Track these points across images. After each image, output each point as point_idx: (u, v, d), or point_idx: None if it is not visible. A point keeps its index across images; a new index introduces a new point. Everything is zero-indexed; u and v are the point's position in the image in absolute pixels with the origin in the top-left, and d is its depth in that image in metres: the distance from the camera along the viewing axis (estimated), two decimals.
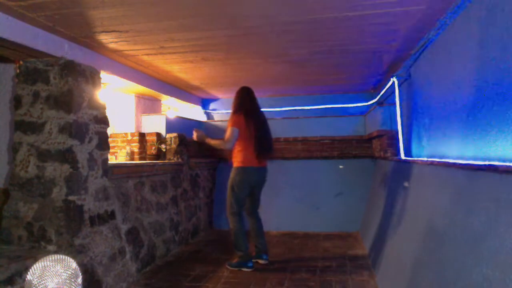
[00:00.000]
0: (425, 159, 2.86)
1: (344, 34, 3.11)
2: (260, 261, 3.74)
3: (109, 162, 3.31)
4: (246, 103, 3.70)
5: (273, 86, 5.45)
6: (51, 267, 1.69)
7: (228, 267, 3.64)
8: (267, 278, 3.36)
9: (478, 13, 2.08)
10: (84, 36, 3.00)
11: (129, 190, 3.61)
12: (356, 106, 5.89)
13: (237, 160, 3.66)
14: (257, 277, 3.39)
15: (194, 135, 3.86)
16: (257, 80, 4.95)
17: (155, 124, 4.97)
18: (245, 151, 3.62)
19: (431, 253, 2.12)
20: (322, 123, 5.64)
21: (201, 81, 4.96)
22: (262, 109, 3.88)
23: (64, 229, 2.73)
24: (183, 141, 4.81)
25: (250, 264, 3.60)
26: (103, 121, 3.23)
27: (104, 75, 3.66)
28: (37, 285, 1.64)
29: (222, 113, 6.51)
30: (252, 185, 3.71)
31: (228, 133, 3.61)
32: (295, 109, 6.05)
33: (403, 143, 3.72)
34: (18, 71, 2.98)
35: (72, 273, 1.73)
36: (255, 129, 3.61)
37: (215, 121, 6.17)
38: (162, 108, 5.87)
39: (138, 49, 3.43)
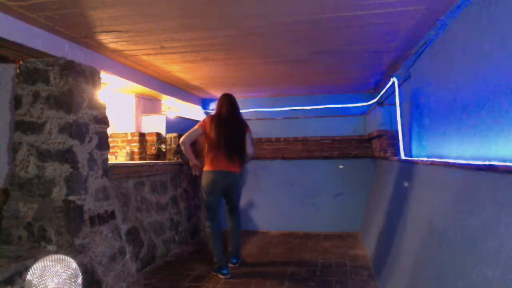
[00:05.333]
0: (425, 159, 2.86)
1: (344, 34, 3.10)
2: (230, 264, 3.66)
3: (109, 162, 3.31)
4: (218, 110, 3.74)
5: (273, 86, 5.44)
6: (51, 267, 1.69)
7: (212, 271, 3.57)
8: (267, 278, 3.36)
9: (478, 13, 2.08)
10: (84, 36, 3.00)
11: (129, 190, 3.61)
12: (356, 106, 5.89)
13: (205, 164, 3.68)
14: (257, 277, 3.39)
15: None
16: (257, 80, 4.95)
17: (155, 124, 4.97)
18: (209, 155, 3.62)
19: (431, 253, 2.12)
20: (322, 123, 5.63)
21: (201, 81, 4.96)
22: (240, 116, 3.81)
23: (64, 229, 2.73)
24: None
25: (224, 271, 3.44)
26: (103, 121, 3.23)
27: (104, 75, 3.66)
28: (37, 285, 1.64)
29: None
30: (220, 188, 3.61)
31: (190, 130, 3.71)
32: (295, 109, 6.05)
33: (403, 143, 3.72)
34: (18, 71, 2.98)
35: (72, 273, 1.73)
36: (217, 135, 3.57)
37: None
38: (162, 108, 5.87)
39: (138, 49, 3.43)
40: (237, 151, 3.65)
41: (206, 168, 3.62)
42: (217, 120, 3.65)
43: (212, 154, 3.60)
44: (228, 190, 3.68)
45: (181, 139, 3.67)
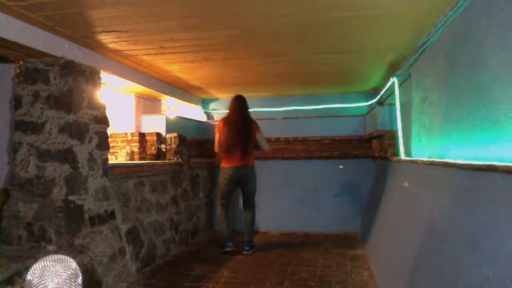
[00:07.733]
0: (425, 159, 2.86)
1: (344, 34, 3.11)
2: (243, 252, 4.16)
3: (109, 162, 3.31)
4: (228, 113, 4.25)
5: (273, 86, 5.45)
6: (51, 267, 1.68)
7: (218, 248, 4.29)
8: (267, 278, 3.36)
9: (478, 12, 2.08)
10: (84, 36, 3.00)
11: (129, 190, 3.61)
12: (356, 106, 5.89)
13: (222, 161, 4.28)
14: (257, 277, 3.39)
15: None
16: (257, 80, 4.95)
17: (155, 124, 4.97)
18: (223, 153, 4.18)
19: (431, 253, 2.12)
20: (322, 123, 5.63)
21: (201, 81, 4.96)
22: (248, 116, 4.24)
23: (64, 229, 2.73)
24: (183, 141, 4.81)
25: (229, 244, 4.17)
26: (103, 121, 3.23)
27: (104, 75, 3.66)
28: (37, 285, 1.64)
29: (222, 113, 6.49)
30: (234, 181, 4.21)
31: (215, 140, 4.32)
32: (295, 109, 6.04)
33: (403, 143, 3.72)
34: (18, 71, 2.98)
35: (72, 273, 1.72)
36: (228, 135, 4.11)
37: (215, 121, 6.16)
38: (162, 108, 5.87)
39: (138, 49, 3.43)
40: (246, 148, 4.12)
41: (222, 165, 4.23)
42: (227, 123, 4.17)
43: (226, 153, 4.14)
44: (242, 181, 4.23)
45: (216, 150, 4.29)
